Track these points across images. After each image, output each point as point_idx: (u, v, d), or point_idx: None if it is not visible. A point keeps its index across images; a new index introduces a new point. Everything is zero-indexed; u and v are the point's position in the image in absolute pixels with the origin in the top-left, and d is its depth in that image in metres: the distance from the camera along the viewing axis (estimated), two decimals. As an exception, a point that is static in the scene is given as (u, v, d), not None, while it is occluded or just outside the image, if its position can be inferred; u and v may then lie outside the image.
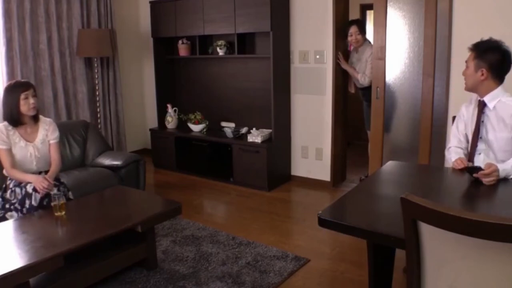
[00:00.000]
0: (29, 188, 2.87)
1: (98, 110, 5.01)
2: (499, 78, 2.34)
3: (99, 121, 5.02)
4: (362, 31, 4.21)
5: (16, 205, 2.87)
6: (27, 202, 2.84)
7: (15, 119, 2.95)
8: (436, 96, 3.73)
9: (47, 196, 2.86)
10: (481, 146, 2.40)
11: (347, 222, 1.75)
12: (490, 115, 2.35)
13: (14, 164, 2.93)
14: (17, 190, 2.91)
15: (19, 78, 4.30)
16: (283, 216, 3.80)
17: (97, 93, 5.00)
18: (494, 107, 2.33)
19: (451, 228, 1.17)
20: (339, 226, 1.74)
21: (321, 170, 4.51)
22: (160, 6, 5.08)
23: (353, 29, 4.20)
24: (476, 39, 2.86)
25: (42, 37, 4.49)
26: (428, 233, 1.27)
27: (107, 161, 3.86)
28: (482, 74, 2.32)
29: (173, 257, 3.02)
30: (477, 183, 2.07)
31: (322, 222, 1.73)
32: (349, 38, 4.26)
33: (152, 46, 5.27)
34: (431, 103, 3.75)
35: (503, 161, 2.25)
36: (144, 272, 2.80)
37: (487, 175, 2.08)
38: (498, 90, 2.33)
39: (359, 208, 1.94)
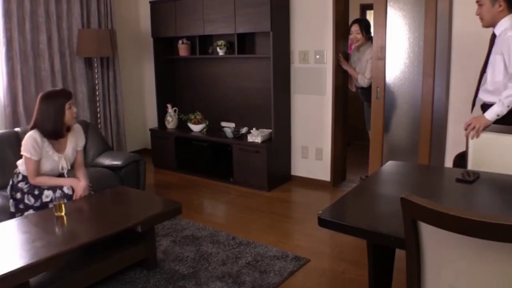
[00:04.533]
0: (67, 190, 2.87)
1: (98, 110, 5.01)
2: (511, 6, 2.60)
3: (99, 121, 5.02)
4: (364, 31, 4.21)
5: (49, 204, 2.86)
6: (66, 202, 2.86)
7: (58, 132, 2.84)
8: (436, 96, 3.73)
9: None
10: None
11: (347, 222, 1.75)
12: (496, 41, 2.64)
13: (39, 172, 2.88)
14: (46, 192, 2.86)
15: (19, 78, 4.30)
16: (283, 216, 3.80)
17: (97, 93, 5.00)
18: (500, 34, 2.61)
19: (451, 228, 1.17)
20: (339, 226, 1.74)
21: (321, 170, 4.51)
22: (160, 6, 5.08)
23: (354, 28, 4.23)
24: (476, 39, 2.88)
25: (42, 37, 4.49)
26: (428, 233, 1.27)
27: (107, 161, 3.86)
28: (500, 5, 2.57)
29: (173, 257, 3.02)
30: (476, 183, 2.07)
31: (322, 222, 1.73)
32: (350, 36, 4.29)
33: (152, 46, 5.27)
34: (431, 103, 3.75)
35: (492, 83, 2.67)
36: (144, 272, 2.81)
37: (468, 132, 2.50)
38: (508, 18, 2.61)
39: (359, 208, 1.94)
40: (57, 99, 2.82)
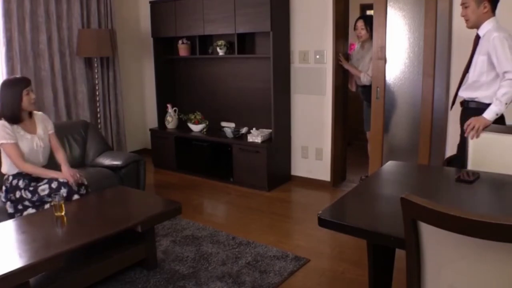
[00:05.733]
0: (61, 179, 2.93)
1: (98, 110, 5.01)
2: (494, 8, 2.69)
3: (99, 121, 5.02)
4: (369, 27, 4.21)
5: (46, 198, 2.89)
6: (64, 190, 2.89)
7: (16, 116, 2.94)
8: (436, 96, 3.73)
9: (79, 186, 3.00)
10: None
11: (347, 222, 1.75)
12: (481, 42, 2.73)
13: (24, 157, 2.95)
14: (42, 187, 2.92)
15: (19, 78, 4.31)
16: (283, 216, 3.80)
17: (97, 93, 5.00)
18: (484, 35, 2.69)
19: (451, 228, 1.17)
20: (339, 226, 1.74)
21: (321, 170, 4.51)
22: (160, 6, 5.08)
23: (359, 23, 4.26)
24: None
25: (42, 37, 4.49)
26: (428, 233, 1.27)
27: (107, 161, 3.85)
28: (485, 7, 2.64)
29: (173, 257, 3.02)
30: (476, 183, 2.07)
31: (322, 222, 1.73)
32: (356, 32, 4.31)
33: (152, 46, 5.27)
34: (431, 103, 3.75)
35: (474, 82, 2.76)
36: (144, 272, 2.81)
37: (467, 132, 2.54)
38: (491, 20, 2.69)
39: (359, 208, 1.94)
40: (15, 86, 2.94)
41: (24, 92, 2.93)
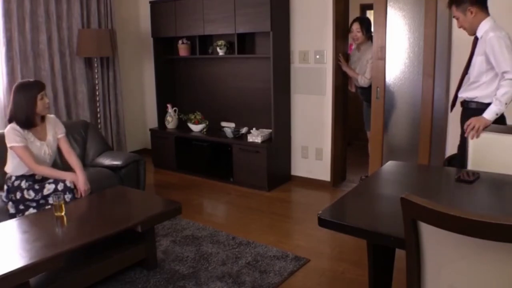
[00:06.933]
0: (69, 183, 2.93)
1: (98, 110, 5.01)
2: (485, 8, 2.72)
3: (99, 121, 5.02)
4: (365, 29, 4.20)
5: (50, 196, 2.89)
6: (68, 196, 2.90)
7: (30, 121, 2.91)
8: (436, 96, 3.74)
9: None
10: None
11: (347, 222, 1.75)
12: (479, 43, 2.76)
13: (36, 160, 2.93)
14: (48, 186, 2.91)
15: (19, 78, 4.29)
16: (283, 216, 3.80)
17: (97, 93, 5.00)
18: (482, 36, 2.72)
19: (451, 228, 1.17)
20: (339, 226, 1.74)
21: (321, 170, 4.51)
22: (160, 6, 5.08)
23: (354, 26, 4.23)
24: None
25: (42, 37, 4.49)
26: (428, 233, 1.27)
27: (107, 161, 3.85)
28: (471, 12, 2.70)
29: (173, 257, 3.02)
30: (476, 183, 2.07)
31: (322, 222, 1.73)
32: (350, 34, 4.30)
33: (152, 46, 5.27)
34: (431, 103, 3.75)
35: (474, 82, 2.78)
36: (144, 272, 2.81)
37: (467, 132, 2.56)
38: (487, 20, 2.71)
39: (359, 208, 1.94)
40: (29, 90, 2.89)
41: (39, 96, 2.89)
